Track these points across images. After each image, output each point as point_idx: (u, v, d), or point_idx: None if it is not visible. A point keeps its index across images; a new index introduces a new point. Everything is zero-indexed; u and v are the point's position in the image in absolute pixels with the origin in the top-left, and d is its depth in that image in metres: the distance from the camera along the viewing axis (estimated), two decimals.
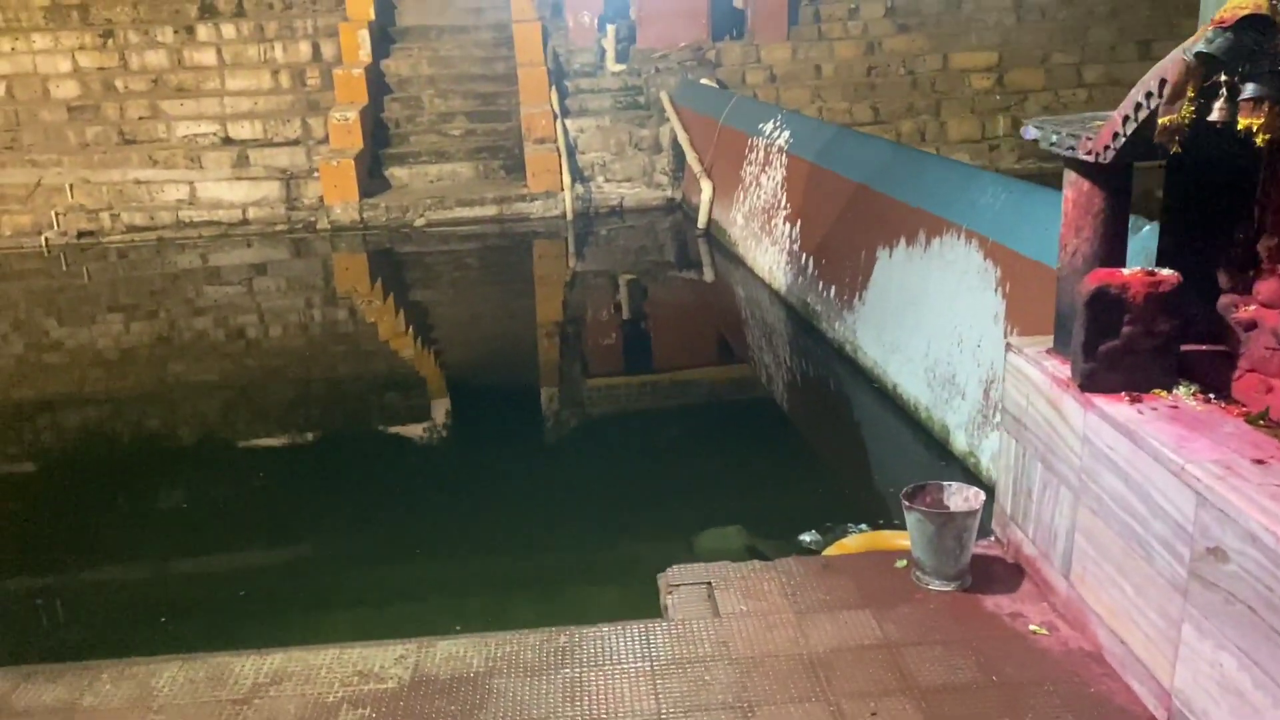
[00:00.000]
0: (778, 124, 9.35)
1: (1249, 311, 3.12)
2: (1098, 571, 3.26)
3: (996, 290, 5.33)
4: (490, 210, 12.79)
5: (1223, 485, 2.65)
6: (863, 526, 4.96)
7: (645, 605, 3.94)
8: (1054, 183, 4.03)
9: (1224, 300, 3.22)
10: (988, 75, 15.08)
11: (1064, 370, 3.46)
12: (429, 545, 5.29)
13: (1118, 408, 3.16)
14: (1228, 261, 3.22)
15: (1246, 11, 2.26)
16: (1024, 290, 5.11)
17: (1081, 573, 3.36)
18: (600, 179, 13.14)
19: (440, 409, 7.63)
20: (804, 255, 8.19)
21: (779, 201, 8.90)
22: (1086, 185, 3.35)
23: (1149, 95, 2.82)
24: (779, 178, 8.98)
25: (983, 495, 3.79)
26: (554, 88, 13.61)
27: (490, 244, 12.29)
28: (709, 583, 3.83)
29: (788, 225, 8.64)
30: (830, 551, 4.56)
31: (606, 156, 13.22)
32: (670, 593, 3.81)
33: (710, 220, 11.23)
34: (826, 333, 7.58)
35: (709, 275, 10.74)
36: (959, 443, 5.62)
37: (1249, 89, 2.32)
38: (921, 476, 5.85)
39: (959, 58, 15.19)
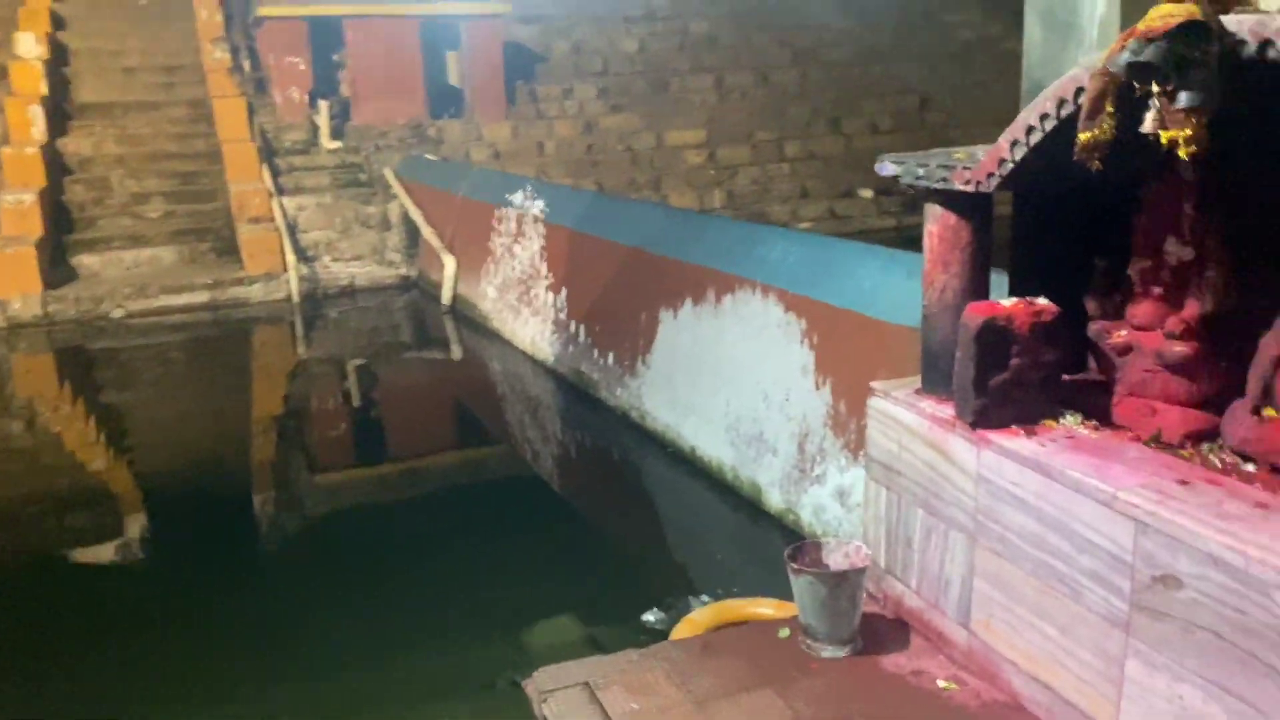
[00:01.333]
0: (529, 194, 9.09)
1: (1122, 336, 3.14)
2: (1008, 616, 3.11)
3: (803, 342, 5.27)
4: (202, 297, 11.56)
5: (1166, 510, 2.56)
6: (704, 598, 4.64)
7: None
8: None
9: (1094, 327, 3.23)
10: (700, 151, 15.73)
11: (944, 410, 3.34)
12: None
13: (1017, 442, 3.06)
14: (1093, 289, 3.24)
15: (1180, 20, 2.22)
16: (834, 340, 5.07)
17: (986, 620, 3.21)
18: (327, 258, 12.27)
19: (137, 527, 6.33)
20: (573, 323, 7.91)
21: (538, 271, 8.59)
22: (953, 219, 3.28)
23: (1044, 117, 2.77)
24: (536, 247, 8.69)
25: (864, 548, 3.59)
26: (265, 165, 12.65)
27: (202, 334, 11.05)
28: (587, 683, 3.34)
29: (551, 294, 8.34)
30: (680, 629, 4.20)
31: (332, 235, 12.39)
32: (545, 700, 3.28)
33: (456, 296, 10.73)
34: (607, 400, 7.30)
35: (458, 353, 10.21)
36: (773, 501, 5.47)
37: (1184, 98, 2.27)
38: (737, 539, 5.67)
39: (672, 135, 15.75)
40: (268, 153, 13.04)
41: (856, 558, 3.54)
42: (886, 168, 3.41)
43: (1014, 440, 3.07)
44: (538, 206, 8.80)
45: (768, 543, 5.20)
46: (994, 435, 3.12)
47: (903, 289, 4.65)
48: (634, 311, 6.96)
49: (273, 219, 12.04)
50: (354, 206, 12.63)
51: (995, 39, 19.19)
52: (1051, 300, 3.19)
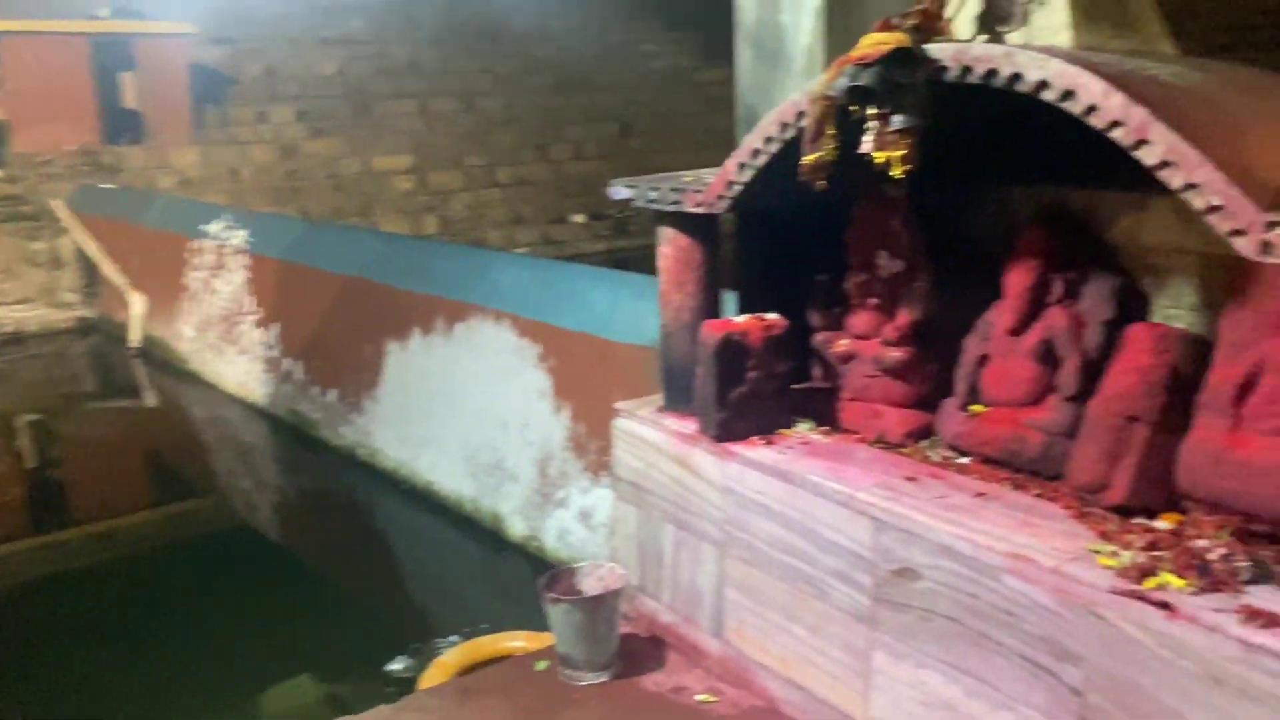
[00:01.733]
0: (228, 223, 8.48)
1: (844, 345, 3.33)
2: (759, 622, 3.20)
3: (539, 367, 5.23)
4: None
5: (900, 506, 2.72)
6: (453, 639, 4.47)
7: None
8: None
9: (819, 338, 3.40)
10: (409, 177, 15.40)
11: (688, 426, 3.40)
12: None
13: (759, 452, 3.16)
14: (815, 302, 3.41)
15: (890, 47, 2.38)
16: (570, 363, 5.07)
17: (739, 628, 3.29)
18: None
19: None
20: (288, 361, 7.44)
21: (244, 306, 8.02)
22: (686, 240, 3.35)
23: (768, 140, 2.88)
24: (239, 280, 8.11)
25: (618, 568, 3.58)
26: None
27: None
28: None
29: (260, 330, 7.81)
30: (430, 675, 4.02)
31: None
32: None
33: (146, 337, 9.82)
34: (331, 440, 6.92)
35: (152, 400, 9.35)
36: (517, 529, 5.39)
37: (897, 120, 2.43)
38: (481, 573, 5.54)
39: (379, 161, 15.31)
40: None
41: (611, 580, 3.52)
42: (620, 191, 3.43)
43: (756, 450, 3.17)
44: (239, 237, 8.23)
45: (513, 573, 5.11)
46: (737, 447, 3.21)
47: (633, 310, 4.72)
48: (357, 345, 6.65)
49: None
50: (17, 243, 11.28)
51: (687, 69, 20.19)
52: (780, 314, 3.33)
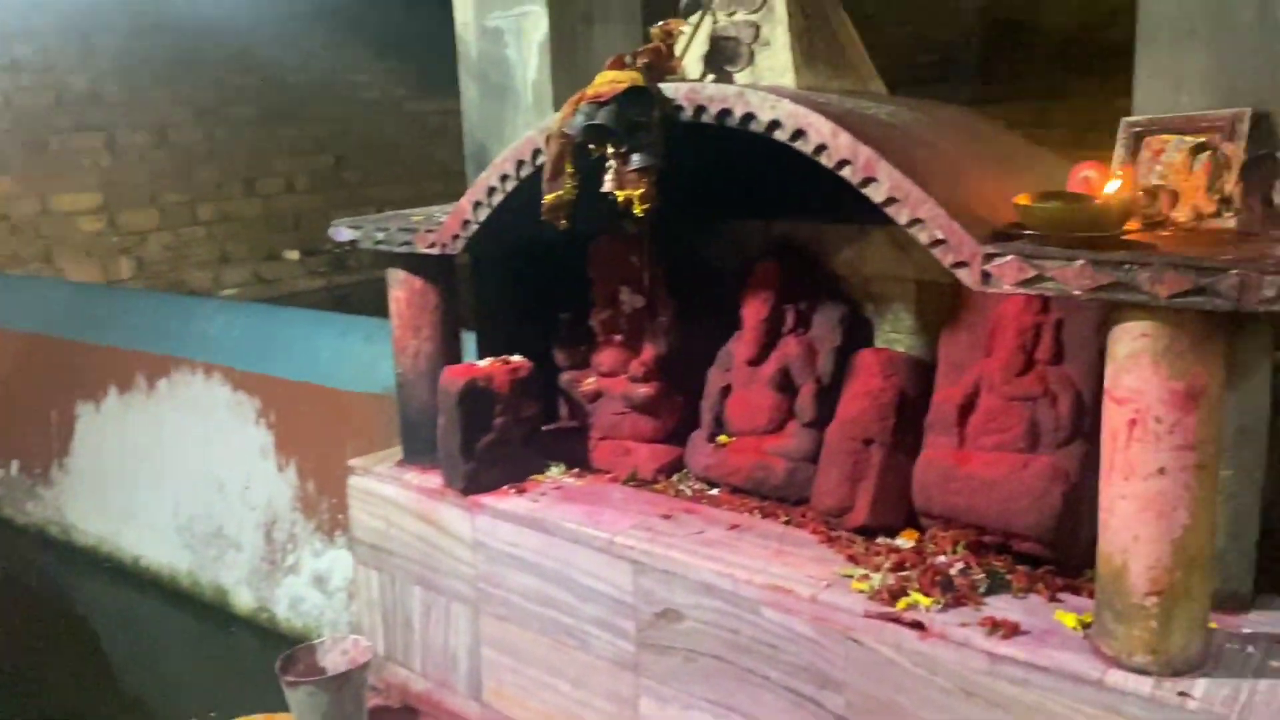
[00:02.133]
0: None
1: (591, 384, 3.28)
2: (520, 680, 3.06)
3: (259, 422, 4.84)
4: None
5: (658, 546, 2.68)
6: None
7: None
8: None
9: (565, 378, 3.33)
10: (97, 217, 14.00)
11: (431, 480, 3.22)
12: None
13: (511, 502, 3.03)
14: (560, 341, 3.34)
15: (625, 85, 2.34)
16: (294, 416, 4.72)
17: (498, 688, 3.13)
18: None
19: None
20: None
21: None
22: (420, 283, 3.18)
23: (504, 178, 2.78)
24: None
25: (363, 640, 3.32)
26: None
27: None
28: None
29: None
30: None
31: None
32: None
33: None
34: (16, 519, 6.09)
35: None
36: (243, 601, 4.95)
37: (636, 159, 2.40)
38: (206, 654, 5.02)
39: (60, 200, 13.82)
40: None
41: (356, 653, 3.27)
42: (342, 233, 3.21)
43: (507, 501, 3.04)
44: None
45: (243, 650, 4.67)
46: (486, 498, 3.06)
47: (363, 355, 4.46)
48: (41, 409, 5.89)
49: None
50: None
51: (402, 99, 19.74)
52: (525, 356, 3.22)
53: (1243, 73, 2.17)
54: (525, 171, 2.71)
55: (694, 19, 2.58)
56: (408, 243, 3.05)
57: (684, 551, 2.65)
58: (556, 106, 3.32)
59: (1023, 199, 2.02)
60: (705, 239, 3.30)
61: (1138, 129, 2.30)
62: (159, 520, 5.29)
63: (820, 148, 2.16)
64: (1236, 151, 1.97)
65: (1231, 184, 1.97)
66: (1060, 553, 2.37)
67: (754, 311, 3.01)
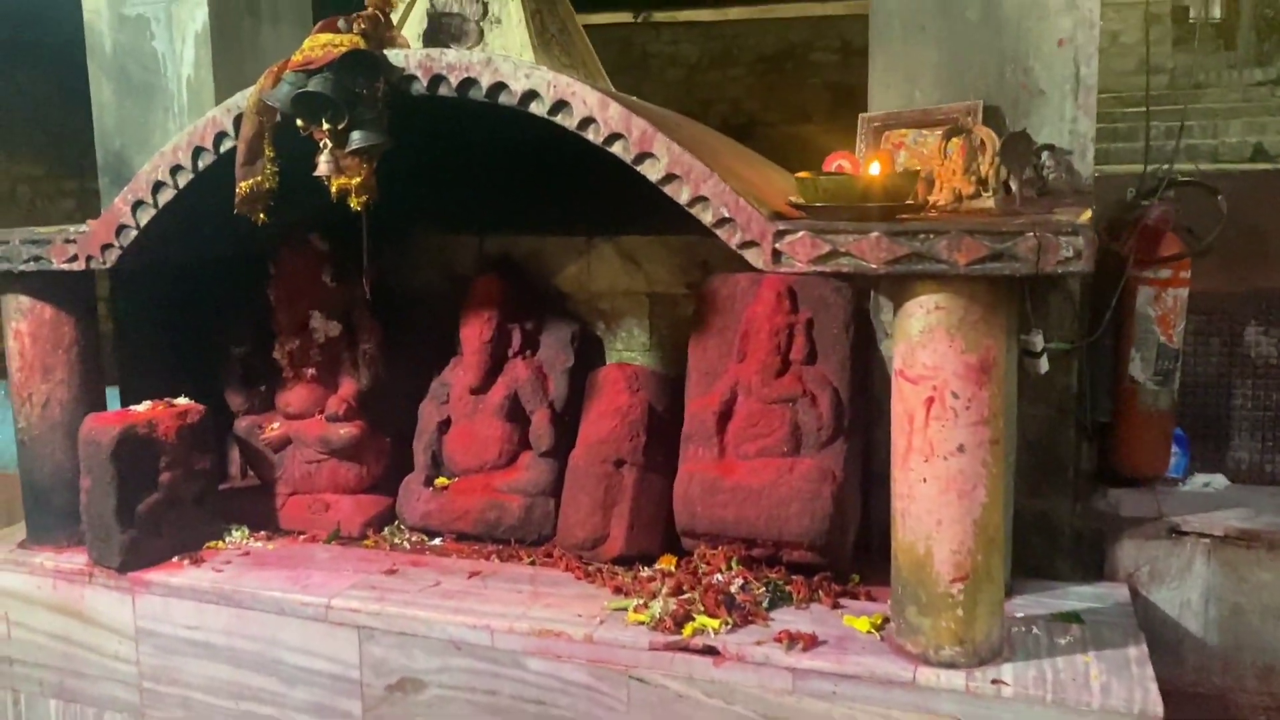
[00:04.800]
0: None
1: (276, 429, 2.77)
2: None
3: None
4: None
5: (389, 605, 2.26)
6: None
7: None
8: None
9: (243, 424, 2.80)
10: None
11: (72, 559, 2.54)
12: None
13: (187, 575, 2.45)
14: (234, 379, 2.81)
15: (345, 49, 1.98)
16: None
17: None
18: None
19: None
20: None
21: None
22: (51, 311, 2.53)
23: (176, 170, 2.26)
24: None
25: None
26: None
27: None
28: None
29: None
30: None
31: None
32: None
33: None
34: None
35: None
36: None
37: (356, 138, 2.03)
38: None
39: None
40: None
41: None
42: None
43: (181, 574, 2.45)
44: None
45: None
46: (153, 574, 2.45)
47: None
48: None
49: None
50: None
51: None
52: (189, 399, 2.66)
53: (971, 67, 2.24)
54: (205, 161, 2.23)
55: None
56: (38, 258, 2.40)
57: (423, 607, 2.24)
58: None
59: (803, 175, 1.92)
60: (403, 254, 2.94)
61: (876, 124, 2.31)
62: None
63: (587, 120, 1.93)
64: (990, 135, 2.00)
65: (987, 166, 2.00)
66: (832, 557, 2.26)
67: (475, 333, 2.69)
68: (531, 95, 1.96)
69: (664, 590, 2.18)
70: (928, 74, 2.27)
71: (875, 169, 1.98)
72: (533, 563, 2.48)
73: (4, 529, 2.77)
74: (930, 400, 1.83)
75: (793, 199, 1.96)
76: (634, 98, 2.13)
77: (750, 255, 1.87)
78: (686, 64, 10.14)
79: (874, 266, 1.79)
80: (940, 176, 2.08)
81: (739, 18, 9.90)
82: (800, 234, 1.83)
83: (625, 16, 9.78)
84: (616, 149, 1.92)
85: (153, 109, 2.95)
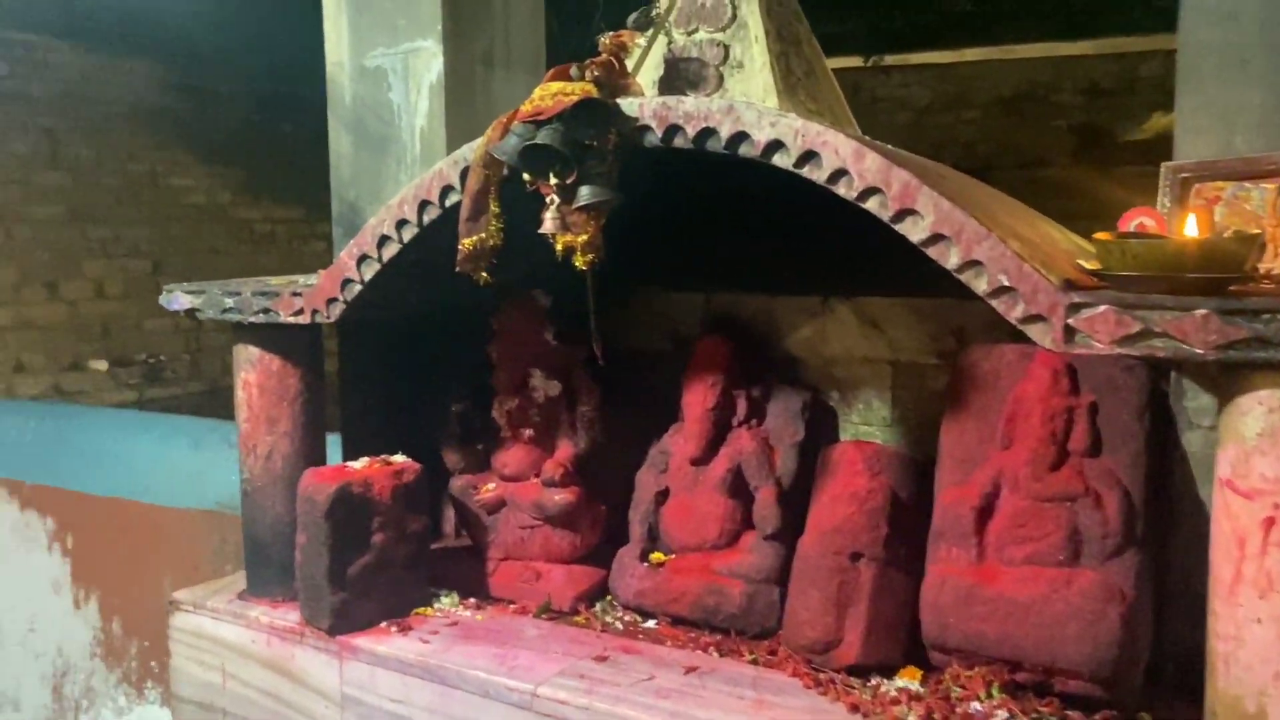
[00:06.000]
0: None
1: (491, 491, 2.66)
2: None
3: (52, 548, 3.92)
4: None
5: (599, 700, 2.06)
6: None
7: None
8: None
9: (458, 483, 2.70)
10: None
11: (286, 616, 2.49)
12: None
13: (393, 643, 2.35)
14: (451, 438, 2.72)
15: (577, 99, 1.83)
16: (98, 539, 3.84)
17: None
18: None
19: None
20: None
21: None
22: (278, 363, 2.52)
23: (401, 224, 2.19)
24: None
25: None
26: None
27: None
28: None
29: None
30: None
31: None
32: None
33: None
34: None
35: None
36: None
37: (585, 194, 1.87)
38: None
39: None
40: None
41: None
42: (178, 300, 2.53)
43: (388, 641, 2.35)
44: None
45: None
46: (361, 639, 2.37)
47: (188, 464, 3.68)
48: None
49: None
50: None
51: (226, 205, 18.76)
52: (407, 456, 2.58)
53: None
54: (430, 216, 2.14)
55: (644, 36, 2.11)
56: (266, 310, 2.39)
57: (635, 706, 2.03)
58: None
59: (1104, 236, 1.60)
60: (623, 312, 2.78)
61: (1184, 175, 1.95)
62: None
63: (839, 173, 1.69)
64: None
65: None
66: (1118, 691, 1.89)
67: (698, 399, 2.49)
68: (776, 146, 1.74)
69: (910, 716, 1.88)
70: (1250, 116, 1.89)
71: (1192, 228, 1.64)
72: (755, 660, 2.23)
73: (227, 577, 2.78)
74: (1270, 521, 1.46)
75: (1087, 263, 1.64)
76: (891, 146, 1.87)
77: (1035, 331, 1.57)
78: (916, 107, 9.76)
79: (1200, 351, 1.45)
80: (1274, 239, 1.70)
81: (975, 59, 9.45)
82: (1102, 309, 1.51)
83: (855, 61, 9.50)
84: (872, 205, 1.67)
85: (386, 160, 2.95)
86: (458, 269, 2.00)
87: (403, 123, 2.90)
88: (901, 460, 2.31)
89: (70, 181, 17.20)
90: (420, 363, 2.80)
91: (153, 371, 14.04)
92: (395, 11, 2.88)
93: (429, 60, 2.84)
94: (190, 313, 2.51)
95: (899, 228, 1.66)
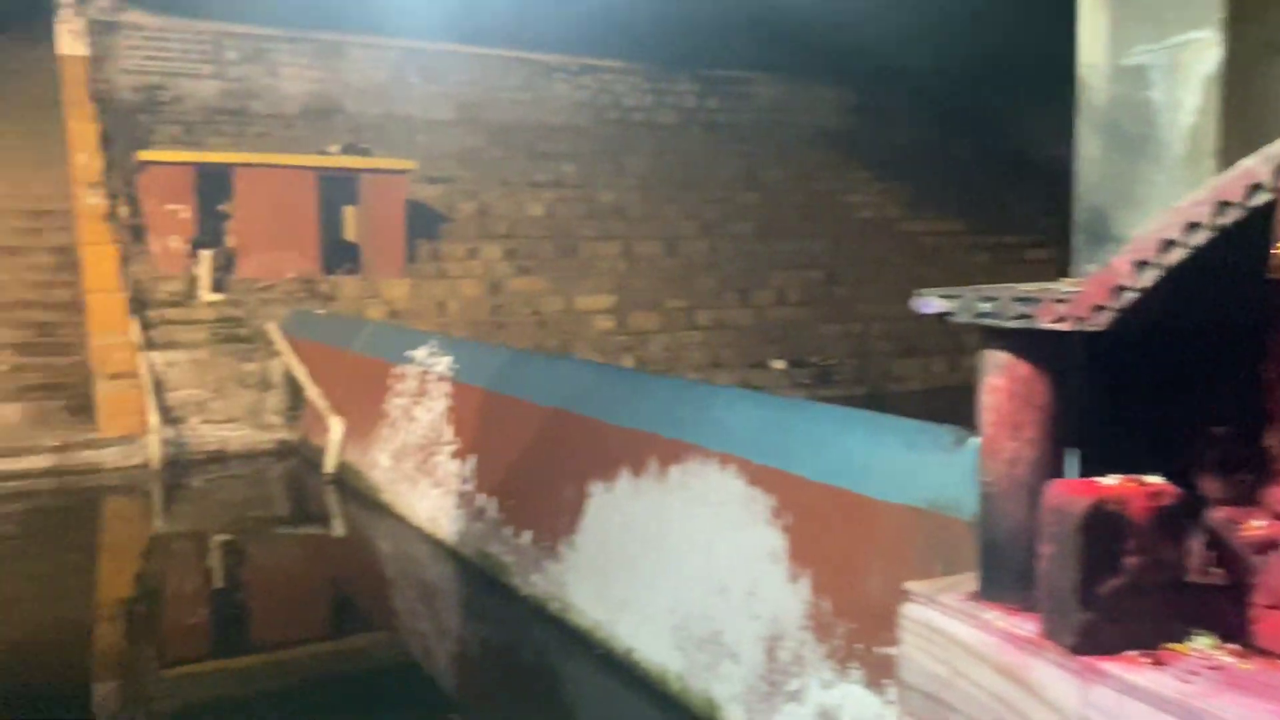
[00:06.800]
0: (434, 349, 8.17)
1: (1259, 529, 2.36)
2: None
3: (772, 523, 4.39)
4: (44, 461, 10.11)
5: None
6: None
7: None
8: None
9: (1219, 515, 2.45)
10: (609, 317, 15.18)
11: (1020, 625, 2.48)
12: None
13: (1146, 675, 2.20)
14: (1209, 464, 2.47)
15: None
16: (812, 521, 4.21)
17: None
18: (196, 420, 11.00)
19: None
20: (482, 496, 6.88)
21: (442, 436, 7.59)
22: (1028, 369, 2.51)
23: (1191, 228, 2.04)
24: (440, 408, 7.71)
25: None
26: (136, 317, 11.47)
27: (42, 504, 9.55)
28: None
29: (456, 462, 7.32)
30: None
31: (204, 394, 11.17)
32: None
33: (342, 463, 9.57)
34: (521, 589, 6.23)
35: (340, 529, 8.98)
36: (734, 719, 4.46)
37: None
38: None
39: (581, 300, 15.21)
40: (139, 304, 11.88)
41: None
42: (931, 304, 2.65)
43: (1139, 673, 2.21)
44: (444, 363, 7.88)
45: None
46: (1107, 664, 2.26)
47: (901, 461, 3.85)
48: (557, 483, 6.00)
49: (138, 375, 10.78)
50: (231, 363, 11.47)
51: (894, 220, 19.56)
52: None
53: None
54: (1228, 218, 1.95)
55: None
56: (1024, 315, 2.39)
57: None
58: (1223, 158, 2.53)
59: None
60: None
61: None
62: (655, 614, 5.04)
63: None
64: None
65: None
66: None
67: None
68: None
69: None
70: None
71: None
72: None
73: (951, 577, 2.85)
74: None
75: None
76: None
77: None
78: None
79: None
80: None
81: None
82: None
83: None
84: None
85: (1141, 162, 2.78)
86: (1271, 276, 1.79)
87: (1162, 120, 2.71)
88: None
89: (761, 200, 19.33)
90: (1174, 380, 2.59)
91: (824, 373, 15.22)
92: (1163, 5, 2.70)
93: (1203, 52, 2.62)
94: (942, 316, 2.61)
95: None
